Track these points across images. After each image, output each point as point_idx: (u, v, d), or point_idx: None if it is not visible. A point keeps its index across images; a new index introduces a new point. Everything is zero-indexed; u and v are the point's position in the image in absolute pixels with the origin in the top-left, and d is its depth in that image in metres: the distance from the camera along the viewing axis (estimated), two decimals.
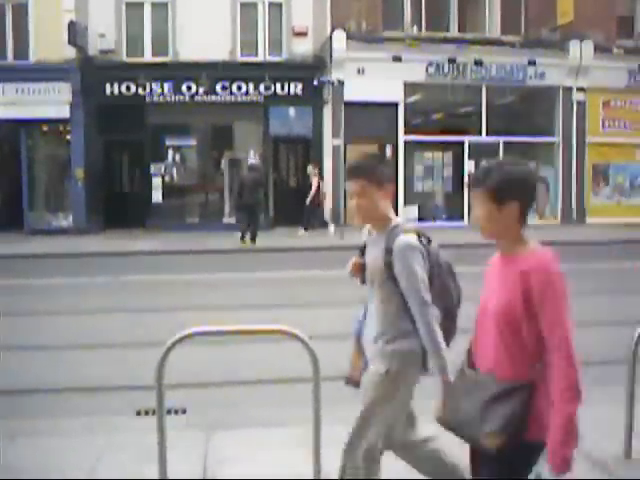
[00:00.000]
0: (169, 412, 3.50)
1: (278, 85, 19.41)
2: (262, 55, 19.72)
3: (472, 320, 2.58)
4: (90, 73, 18.60)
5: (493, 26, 20.54)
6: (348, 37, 19.22)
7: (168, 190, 19.85)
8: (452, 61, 19.93)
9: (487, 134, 20.68)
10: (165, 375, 3.57)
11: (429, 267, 3.07)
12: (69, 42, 18.03)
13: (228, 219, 19.88)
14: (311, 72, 19.28)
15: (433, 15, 20.34)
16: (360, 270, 3.26)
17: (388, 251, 3.04)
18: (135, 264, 14.01)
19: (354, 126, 19.07)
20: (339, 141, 18.57)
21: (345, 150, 18.55)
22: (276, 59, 19.68)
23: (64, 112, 18.60)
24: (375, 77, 19.23)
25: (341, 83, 19.19)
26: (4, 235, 17.91)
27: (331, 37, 19.22)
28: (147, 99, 19.17)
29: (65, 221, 19.41)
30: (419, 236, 3.10)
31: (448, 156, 20.82)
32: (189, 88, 19.19)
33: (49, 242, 17.05)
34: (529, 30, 20.53)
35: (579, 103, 20.85)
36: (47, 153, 19.70)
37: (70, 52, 18.37)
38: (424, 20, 20.16)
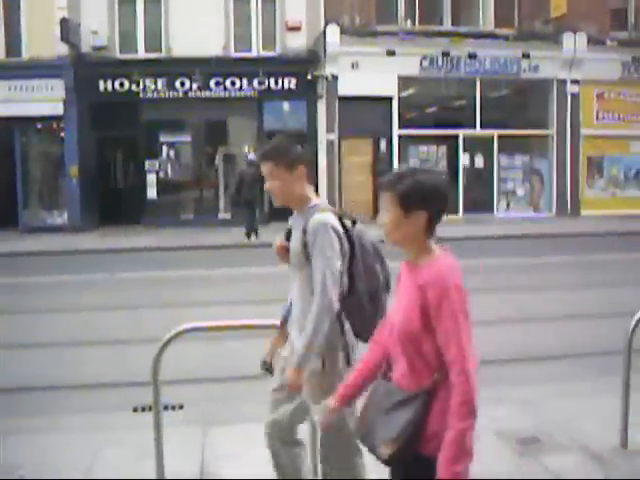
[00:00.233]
0: (166, 408, 3.50)
1: (272, 80, 19.37)
2: (256, 50, 19.66)
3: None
4: (83, 70, 18.54)
5: (487, 19, 20.52)
6: (342, 31, 19.18)
7: (163, 186, 19.80)
8: (446, 54, 19.92)
9: (481, 127, 20.69)
10: (162, 371, 3.57)
11: (350, 248, 3.03)
12: (62, 39, 17.96)
13: (223, 214, 19.88)
14: (305, 67, 19.25)
15: (427, 9, 20.32)
16: (285, 252, 3.22)
17: (304, 231, 3.01)
18: (131, 261, 14.00)
19: (348, 120, 19.06)
20: (333, 135, 18.55)
21: (340, 144, 18.54)
22: (270, 54, 19.62)
23: (58, 109, 18.54)
24: (369, 71, 19.21)
25: (335, 77, 19.17)
26: None
27: (325, 31, 19.18)
28: (141, 95, 19.10)
29: (60, 218, 19.36)
30: (340, 217, 3.06)
31: (442, 149, 20.83)
32: (183, 84, 19.15)
33: (44, 240, 17.02)
34: (523, 23, 20.52)
35: (573, 95, 20.86)
36: (41, 150, 19.64)
37: (63, 49, 18.30)
38: (417, 14, 20.13)
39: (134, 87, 19.00)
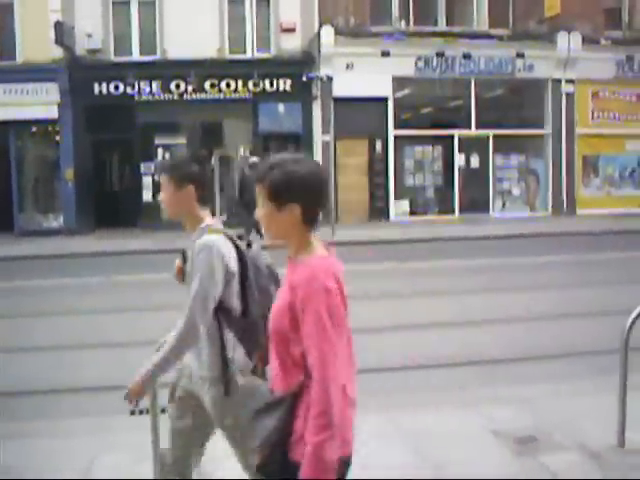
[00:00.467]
0: (163, 411, 3.49)
1: (267, 82, 19.38)
2: (250, 52, 19.64)
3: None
4: (78, 73, 18.52)
5: (481, 19, 20.56)
6: (336, 32, 19.20)
7: (159, 189, 19.62)
8: (441, 55, 19.95)
9: (477, 127, 20.73)
10: None
11: (242, 269, 2.99)
12: (56, 42, 17.96)
13: (219, 216, 19.85)
14: (300, 68, 19.25)
15: (421, 9, 20.35)
16: (181, 273, 3.21)
17: (193, 253, 3.01)
18: (127, 263, 13.97)
19: (344, 121, 19.05)
20: (329, 137, 18.53)
21: (335, 146, 18.53)
22: (264, 55, 19.63)
23: (52, 112, 18.53)
24: (364, 72, 19.23)
25: (330, 79, 19.14)
26: None
27: (319, 33, 19.19)
28: (136, 98, 19.10)
29: (55, 222, 19.34)
30: (232, 239, 3.04)
31: (438, 150, 20.86)
32: (178, 86, 19.14)
33: (40, 243, 16.97)
34: (517, 23, 20.57)
35: (568, 95, 20.91)
36: (36, 154, 19.63)
37: (57, 52, 18.29)
38: (412, 14, 20.16)
39: (129, 90, 18.99)
